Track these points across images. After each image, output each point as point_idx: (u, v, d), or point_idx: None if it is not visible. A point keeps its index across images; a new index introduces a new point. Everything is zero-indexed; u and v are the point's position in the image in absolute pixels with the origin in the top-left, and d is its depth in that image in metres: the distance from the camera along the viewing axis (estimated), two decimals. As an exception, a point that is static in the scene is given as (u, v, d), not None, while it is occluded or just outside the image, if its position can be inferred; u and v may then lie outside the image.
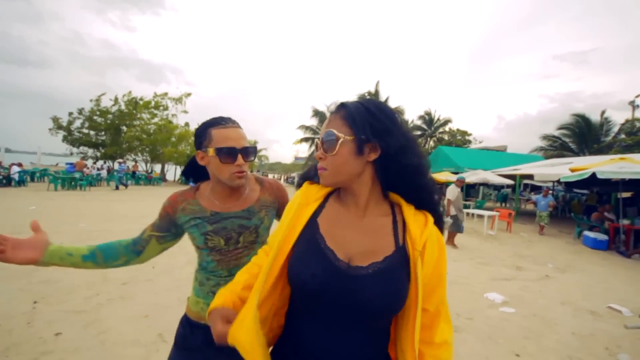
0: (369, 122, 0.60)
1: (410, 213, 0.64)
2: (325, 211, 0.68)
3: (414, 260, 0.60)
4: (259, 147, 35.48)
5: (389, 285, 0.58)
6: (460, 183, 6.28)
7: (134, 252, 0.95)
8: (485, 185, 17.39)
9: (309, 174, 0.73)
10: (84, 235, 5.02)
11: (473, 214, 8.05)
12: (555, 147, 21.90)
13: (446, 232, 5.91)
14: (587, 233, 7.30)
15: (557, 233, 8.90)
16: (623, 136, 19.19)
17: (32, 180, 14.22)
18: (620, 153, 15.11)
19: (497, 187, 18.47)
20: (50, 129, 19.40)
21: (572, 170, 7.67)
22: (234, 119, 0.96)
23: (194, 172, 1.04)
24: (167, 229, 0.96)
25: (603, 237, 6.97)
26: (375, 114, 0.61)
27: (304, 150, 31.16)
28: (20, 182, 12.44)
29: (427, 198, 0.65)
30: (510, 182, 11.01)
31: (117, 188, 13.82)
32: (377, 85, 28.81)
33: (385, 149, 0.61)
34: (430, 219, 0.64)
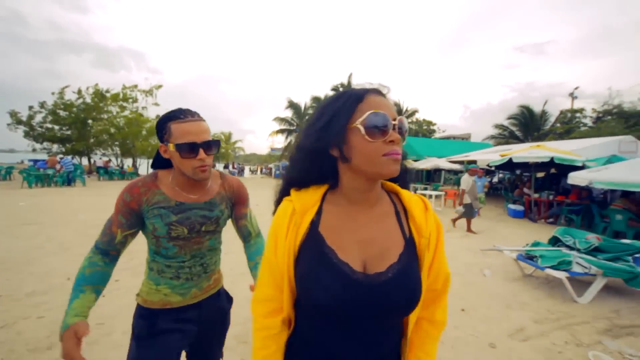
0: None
1: (409, 199, 0.63)
2: (325, 218, 0.61)
3: (422, 249, 0.60)
4: (233, 138, 35.45)
5: (408, 284, 0.57)
6: (474, 172, 6.29)
7: (112, 262, 0.95)
8: (447, 171, 19.55)
9: (294, 179, 0.64)
10: (89, 225, 5.74)
11: (430, 195, 9.67)
12: (504, 136, 24.65)
13: (452, 222, 6.62)
14: (510, 206, 9.19)
15: (493, 207, 10.86)
16: (558, 125, 22.25)
17: (-2, 178, 13.78)
18: (554, 140, 17.82)
19: (456, 172, 20.79)
20: (8, 125, 18.35)
21: (501, 156, 9.48)
22: (194, 110, 0.94)
23: (162, 164, 0.99)
24: (136, 224, 0.94)
25: (520, 207, 8.88)
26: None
27: (280, 141, 31.69)
28: (-11, 181, 12.16)
29: (406, 177, 0.67)
30: (459, 167, 12.86)
31: (66, 184, 13.22)
32: (349, 77, 29.87)
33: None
34: (428, 203, 0.64)
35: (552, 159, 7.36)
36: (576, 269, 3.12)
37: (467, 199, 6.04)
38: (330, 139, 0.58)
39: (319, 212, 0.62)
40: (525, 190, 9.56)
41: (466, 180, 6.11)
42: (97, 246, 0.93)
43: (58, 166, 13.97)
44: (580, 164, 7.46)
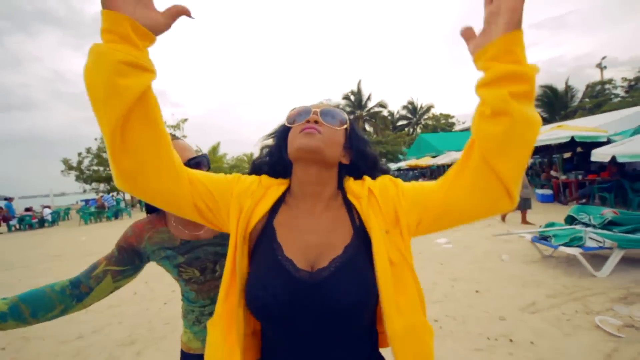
0: (357, 137, 0.65)
1: (350, 180, 0.64)
2: (281, 214, 0.61)
3: (366, 215, 0.56)
4: (255, 156, 36.87)
5: (353, 276, 0.52)
6: None
7: (73, 296, 0.75)
8: None
9: (265, 166, 0.67)
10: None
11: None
12: (529, 119, 23.57)
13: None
14: (538, 191, 8.92)
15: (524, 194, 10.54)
16: (587, 100, 20.91)
17: (57, 220, 15.70)
18: (583, 116, 16.82)
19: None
20: (62, 171, 20.86)
21: (521, 142, 9.30)
22: (177, 135, 0.82)
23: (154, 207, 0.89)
24: (130, 261, 0.83)
25: (548, 192, 8.60)
26: (362, 138, 0.66)
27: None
28: (53, 222, 13.92)
29: (371, 170, 0.66)
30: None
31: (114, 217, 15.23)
32: (359, 84, 30.44)
33: (356, 162, 0.64)
34: (368, 177, 0.63)
35: (572, 138, 7.18)
36: (590, 244, 3.20)
37: None
38: (280, 141, 0.66)
39: (276, 207, 0.61)
40: (553, 173, 9.23)
41: None
42: (75, 276, 0.80)
43: (105, 203, 15.68)
44: (604, 139, 7.18)
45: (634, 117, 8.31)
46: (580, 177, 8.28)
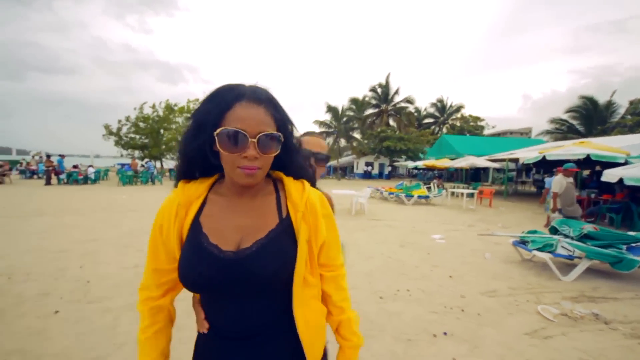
0: (282, 117, 0.63)
1: (290, 183, 0.68)
2: (209, 207, 0.66)
3: (298, 222, 0.64)
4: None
5: (274, 256, 0.61)
6: (569, 173, 5.10)
7: None
8: (496, 169, 18.73)
9: (188, 172, 0.68)
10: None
11: (462, 193, 9.92)
12: (562, 131, 22.47)
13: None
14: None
15: (539, 207, 10.59)
16: (628, 117, 19.66)
17: (98, 179, 17.52)
18: (622, 134, 16.00)
19: (503, 170, 19.86)
20: (103, 135, 22.84)
21: (540, 153, 9.33)
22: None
23: None
24: None
25: (558, 206, 8.70)
26: (278, 105, 0.63)
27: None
28: (95, 181, 15.62)
29: (304, 170, 0.71)
30: (497, 165, 12.61)
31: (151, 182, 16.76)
32: (387, 77, 30.08)
33: (287, 143, 0.64)
34: (307, 184, 0.69)
35: (588, 156, 7.25)
36: (560, 251, 3.64)
37: (560, 203, 5.04)
38: (205, 139, 0.60)
39: (203, 202, 0.66)
40: (567, 188, 9.26)
41: (559, 182, 5.03)
42: None
43: (140, 168, 17.21)
44: (622, 161, 7.19)
45: None
46: (593, 195, 8.31)
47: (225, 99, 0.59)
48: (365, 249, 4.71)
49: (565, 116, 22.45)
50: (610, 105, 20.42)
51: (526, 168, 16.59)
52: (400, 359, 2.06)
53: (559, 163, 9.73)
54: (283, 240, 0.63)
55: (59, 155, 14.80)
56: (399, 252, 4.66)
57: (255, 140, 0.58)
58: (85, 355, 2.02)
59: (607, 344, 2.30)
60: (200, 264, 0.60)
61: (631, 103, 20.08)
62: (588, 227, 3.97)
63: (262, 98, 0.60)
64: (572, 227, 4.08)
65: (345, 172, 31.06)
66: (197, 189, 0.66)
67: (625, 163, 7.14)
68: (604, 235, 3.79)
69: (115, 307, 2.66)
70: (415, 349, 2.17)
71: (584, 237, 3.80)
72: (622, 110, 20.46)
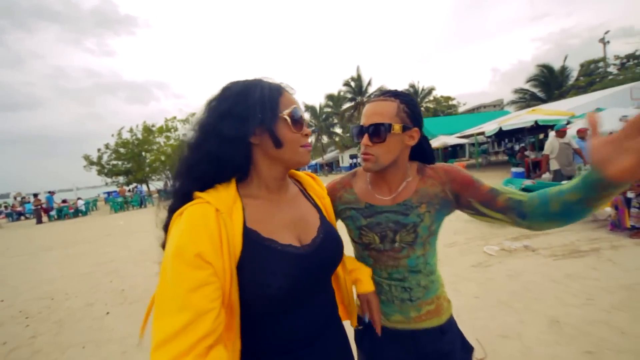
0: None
1: (303, 177, 0.78)
2: (251, 211, 0.60)
3: (327, 208, 0.76)
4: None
5: (335, 237, 0.69)
6: (561, 133, 5.06)
7: None
8: (472, 144, 19.90)
9: (195, 183, 0.58)
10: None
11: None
12: (526, 99, 23.99)
13: None
14: (512, 169, 10.09)
15: (502, 173, 11.69)
16: (581, 79, 21.31)
17: (89, 210, 17.56)
18: (578, 95, 17.44)
19: (480, 144, 21.20)
20: (84, 166, 22.61)
21: (499, 125, 10.38)
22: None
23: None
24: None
25: (520, 169, 9.76)
26: None
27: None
28: (86, 212, 15.72)
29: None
30: (466, 141, 13.70)
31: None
32: (358, 69, 30.90)
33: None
34: (314, 175, 0.80)
35: (536, 122, 8.25)
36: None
37: (554, 164, 5.04)
38: (257, 126, 0.58)
39: (243, 209, 0.59)
40: (526, 153, 10.34)
41: (550, 144, 5.03)
42: None
43: (128, 194, 17.38)
44: (564, 122, 8.24)
45: (617, 96, 9.17)
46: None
47: (274, 85, 0.62)
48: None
49: (527, 85, 23.91)
50: (564, 70, 22.00)
51: (499, 139, 17.75)
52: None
53: (519, 131, 10.84)
54: (331, 224, 0.72)
55: (48, 192, 14.85)
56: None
57: (306, 119, 0.66)
58: (146, 333, 2.66)
59: (530, 264, 3.14)
60: (281, 267, 0.56)
61: (582, 66, 21.73)
62: (527, 182, 4.86)
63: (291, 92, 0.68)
64: (514, 184, 4.96)
65: (331, 167, 31.85)
66: (228, 194, 0.58)
67: (568, 123, 8.19)
68: (539, 186, 4.68)
69: (154, 302, 3.29)
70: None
71: (524, 190, 4.67)
72: (575, 74, 22.09)
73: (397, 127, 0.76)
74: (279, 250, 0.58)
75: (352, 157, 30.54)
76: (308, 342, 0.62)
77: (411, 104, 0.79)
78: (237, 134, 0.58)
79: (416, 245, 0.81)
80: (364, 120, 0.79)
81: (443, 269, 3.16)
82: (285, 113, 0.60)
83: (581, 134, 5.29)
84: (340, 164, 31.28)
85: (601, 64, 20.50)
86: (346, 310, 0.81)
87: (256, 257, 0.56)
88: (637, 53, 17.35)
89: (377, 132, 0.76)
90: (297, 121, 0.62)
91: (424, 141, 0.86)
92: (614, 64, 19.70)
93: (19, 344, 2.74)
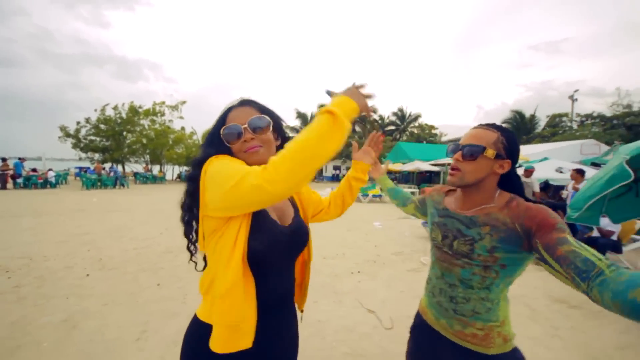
0: (281, 127, 0.94)
1: None
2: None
3: (301, 204, 0.98)
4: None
5: (304, 227, 0.91)
6: (527, 173, 5.71)
7: (405, 200, 1.31)
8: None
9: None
10: (153, 209, 8.28)
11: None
12: (498, 139, 26.07)
13: None
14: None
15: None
16: (547, 128, 23.60)
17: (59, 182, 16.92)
18: (539, 143, 19.35)
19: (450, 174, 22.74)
20: (59, 137, 21.75)
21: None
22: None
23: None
24: (421, 204, 1.21)
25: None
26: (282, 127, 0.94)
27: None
28: (54, 185, 15.17)
29: None
30: (437, 169, 14.91)
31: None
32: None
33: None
34: None
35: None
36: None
37: None
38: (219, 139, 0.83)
39: None
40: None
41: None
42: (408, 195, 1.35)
43: (104, 172, 16.98)
44: (517, 165, 9.43)
45: (569, 149, 10.61)
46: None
47: (223, 112, 0.85)
48: (320, 233, 6.05)
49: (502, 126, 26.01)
50: (533, 119, 24.29)
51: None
52: (328, 284, 3.42)
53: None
54: (302, 219, 0.92)
55: (19, 158, 14.26)
56: (345, 233, 6.10)
57: (246, 126, 0.79)
58: (125, 292, 3.07)
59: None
60: (270, 232, 0.78)
61: (549, 117, 24.11)
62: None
63: (246, 103, 0.86)
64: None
65: (315, 176, 32.49)
66: None
67: (520, 167, 9.41)
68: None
69: (132, 272, 3.67)
70: (339, 280, 3.55)
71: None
72: (542, 123, 24.45)
73: (490, 152, 0.82)
74: (271, 220, 0.80)
75: (335, 168, 31.50)
76: (272, 308, 0.80)
77: (510, 140, 0.85)
78: (218, 147, 0.81)
79: (474, 260, 0.83)
80: (462, 140, 0.89)
81: (384, 271, 3.92)
82: (221, 131, 0.80)
83: (528, 175, 5.99)
84: (324, 174, 32.10)
85: (565, 118, 22.89)
86: (300, 294, 1.01)
87: (259, 215, 0.78)
88: (594, 114, 19.56)
89: (471, 151, 0.84)
90: (230, 135, 0.79)
91: (513, 177, 0.88)
92: (575, 120, 22.02)
93: (3, 290, 3.04)
